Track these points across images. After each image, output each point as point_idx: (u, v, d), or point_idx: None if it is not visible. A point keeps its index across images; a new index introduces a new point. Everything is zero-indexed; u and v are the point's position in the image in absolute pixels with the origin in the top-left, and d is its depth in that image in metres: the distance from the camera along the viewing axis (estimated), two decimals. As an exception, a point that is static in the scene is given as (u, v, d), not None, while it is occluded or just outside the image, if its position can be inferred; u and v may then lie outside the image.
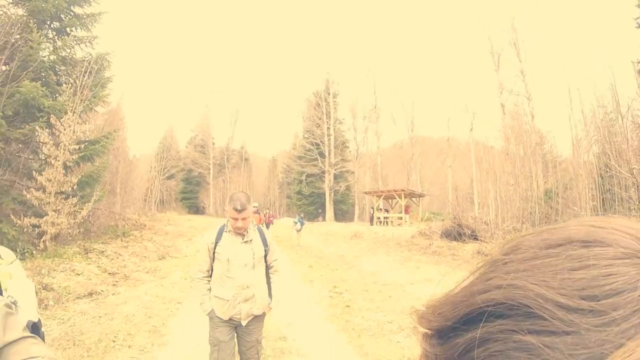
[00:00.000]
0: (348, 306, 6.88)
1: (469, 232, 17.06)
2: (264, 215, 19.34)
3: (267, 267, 3.20)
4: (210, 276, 3.06)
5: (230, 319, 2.98)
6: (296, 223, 17.62)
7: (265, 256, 3.14)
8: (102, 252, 10.06)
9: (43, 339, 1.44)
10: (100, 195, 11.46)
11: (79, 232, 9.90)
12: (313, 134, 41.57)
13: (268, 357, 4.41)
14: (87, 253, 9.87)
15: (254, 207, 11.19)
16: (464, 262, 13.68)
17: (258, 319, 3.08)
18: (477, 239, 16.54)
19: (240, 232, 2.99)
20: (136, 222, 16.58)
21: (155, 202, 36.23)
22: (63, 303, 6.38)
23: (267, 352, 4.46)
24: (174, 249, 13.28)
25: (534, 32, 40.92)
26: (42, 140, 9.03)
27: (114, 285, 7.62)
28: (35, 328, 1.56)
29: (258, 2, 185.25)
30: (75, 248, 9.86)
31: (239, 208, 2.85)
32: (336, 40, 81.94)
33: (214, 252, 2.99)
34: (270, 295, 3.17)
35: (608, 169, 15.22)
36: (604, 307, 0.26)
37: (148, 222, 18.07)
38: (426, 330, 0.38)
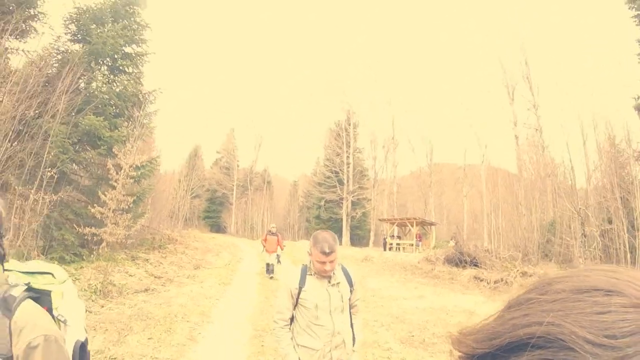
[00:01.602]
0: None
1: (470, 259, 18.55)
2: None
3: (350, 308, 2.93)
4: (291, 323, 2.81)
5: None
6: None
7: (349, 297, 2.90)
8: (147, 259, 12.10)
9: (89, 357, 1.56)
10: (144, 212, 13.59)
11: (132, 242, 11.97)
12: (333, 162, 43.64)
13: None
14: (133, 260, 11.92)
15: (272, 227, 12.75)
16: (459, 285, 15.31)
17: None
18: (477, 266, 18.07)
19: (328, 275, 2.73)
20: (169, 237, 18.68)
21: (181, 220, 38.46)
22: (124, 295, 8.33)
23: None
24: (205, 261, 15.34)
25: (546, 65, 42.24)
26: (107, 167, 11.12)
27: (162, 285, 9.62)
28: (82, 348, 1.53)
29: (286, 30, 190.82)
30: (123, 255, 11.92)
31: (327, 251, 2.59)
32: (358, 73, 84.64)
33: (297, 298, 2.72)
34: (353, 337, 2.93)
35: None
36: (620, 345, 0.34)
37: (179, 238, 20.16)
38: (465, 354, 0.46)
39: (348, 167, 42.61)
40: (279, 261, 13.97)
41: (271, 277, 13.04)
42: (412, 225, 28.96)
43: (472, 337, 0.45)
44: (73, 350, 1.42)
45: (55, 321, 1.38)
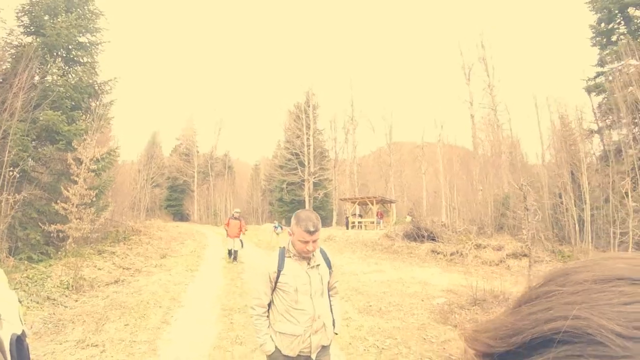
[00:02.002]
0: None
1: (427, 234, 19.54)
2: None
3: (329, 290, 2.88)
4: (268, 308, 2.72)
5: (297, 355, 2.65)
6: (276, 227, 20.24)
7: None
8: (113, 252, 12.28)
9: (28, 351, 1.42)
10: (107, 205, 13.66)
11: (97, 236, 12.09)
12: (293, 144, 43.94)
13: (247, 325, 6.72)
14: (100, 253, 12.07)
15: (235, 212, 12.79)
16: (417, 258, 16.19)
17: (325, 348, 2.76)
18: (435, 240, 19.07)
19: (308, 256, 2.64)
20: (133, 228, 18.70)
21: (143, 210, 37.98)
22: (96, 288, 8.60)
23: (243, 326, 6.77)
24: (171, 250, 15.59)
25: (503, 48, 43.87)
26: (68, 162, 11.14)
27: (131, 276, 9.92)
28: (19, 341, 1.36)
29: (244, 14, 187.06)
30: (89, 250, 12.05)
31: (311, 229, 2.52)
32: (318, 55, 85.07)
33: (276, 282, 2.63)
34: (334, 320, 2.84)
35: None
36: None
37: (142, 229, 20.17)
38: (482, 352, 0.43)
39: (308, 148, 43.03)
40: (242, 245, 14.23)
41: (234, 262, 13.16)
42: (372, 204, 29.86)
43: (489, 334, 0.44)
44: (10, 344, 1.29)
45: None
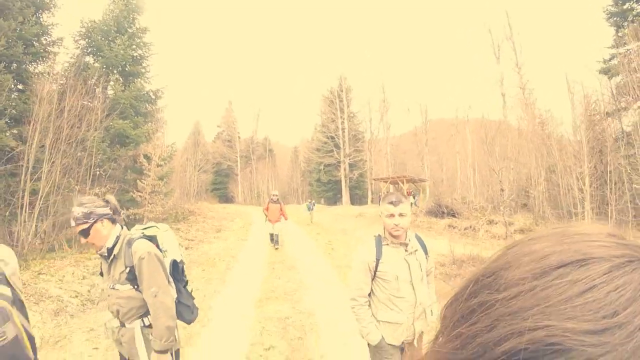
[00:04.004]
0: (332, 249, 12.30)
1: (447, 210, 21.65)
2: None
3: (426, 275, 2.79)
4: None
5: (401, 342, 2.61)
6: (308, 207, 22.95)
7: None
8: (178, 228, 15.27)
9: (183, 272, 2.68)
10: (172, 191, 16.69)
11: (166, 217, 15.09)
12: (328, 128, 46.31)
13: (284, 270, 9.34)
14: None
15: (273, 195, 13.42)
16: (435, 232, 18.33)
17: (422, 334, 2.70)
18: (454, 216, 21.17)
19: (401, 239, 2.59)
20: (189, 210, 21.85)
21: (193, 194, 41.55)
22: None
23: (282, 271, 9.40)
24: (223, 226, 18.72)
25: (531, 27, 43.99)
26: (140, 160, 14.09)
27: (196, 244, 12.88)
28: (174, 262, 2.56)
29: (281, 6, 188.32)
30: (160, 228, 15.16)
31: (394, 200, 2.52)
32: (351, 39, 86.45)
33: (375, 271, 2.59)
34: (432, 307, 2.78)
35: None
36: (626, 318, 0.28)
37: (196, 210, 23.36)
38: None
39: (343, 131, 45.28)
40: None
41: (277, 248, 12.51)
42: (402, 183, 31.95)
43: None
44: (170, 264, 2.49)
45: (162, 252, 2.47)
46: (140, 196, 13.72)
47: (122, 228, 2.47)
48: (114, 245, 2.37)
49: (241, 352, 4.53)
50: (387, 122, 45.47)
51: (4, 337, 1.43)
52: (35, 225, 9.68)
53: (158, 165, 14.50)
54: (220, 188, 56.51)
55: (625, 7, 19.33)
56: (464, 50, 69.05)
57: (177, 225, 15.99)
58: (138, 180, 14.01)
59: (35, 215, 9.75)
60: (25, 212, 9.63)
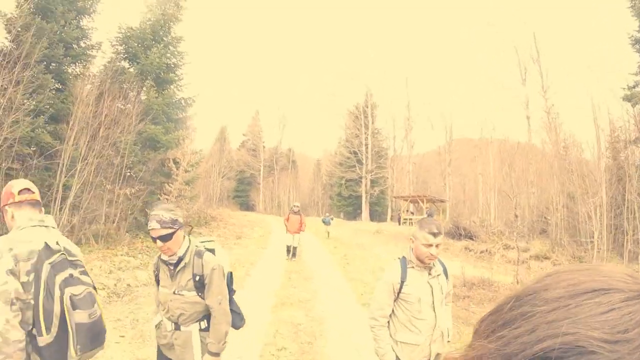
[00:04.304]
0: (348, 263, 12.62)
1: (464, 232, 21.74)
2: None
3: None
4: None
5: None
6: (325, 221, 23.24)
7: None
8: (200, 233, 15.79)
9: (232, 279, 2.89)
10: (196, 195, 17.29)
11: (190, 221, 15.64)
12: (352, 144, 46.81)
13: (300, 280, 9.71)
14: (189, 234, 15.71)
15: (295, 206, 13.65)
16: (450, 253, 18.42)
17: (439, 355, 2.78)
18: (472, 238, 21.24)
19: (429, 265, 2.68)
20: (210, 215, 22.50)
21: (215, 200, 42.34)
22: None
23: (298, 280, 9.77)
24: (244, 234, 19.25)
25: (558, 48, 43.71)
26: (169, 165, 14.72)
27: (217, 250, 13.36)
28: (230, 275, 2.85)
29: (313, 20, 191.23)
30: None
31: (435, 231, 2.57)
32: (378, 54, 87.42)
33: (399, 293, 2.66)
34: (448, 329, 2.89)
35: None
36: (633, 336, 0.37)
37: (217, 216, 23.99)
38: None
39: (366, 147, 45.68)
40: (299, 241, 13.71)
41: (293, 260, 12.50)
42: (422, 202, 32.11)
43: None
44: (226, 276, 2.74)
45: None
46: (167, 199, 14.31)
47: (189, 239, 2.70)
48: (183, 254, 2.58)
49: (255, 351, 4.96)
50: (410, 140, 45.82)
51: (95, 314, 2.08)
52: (66, 219, 10.28)
53: (186, 171, 15.11)
54: (242, 196, 57.25)
55: None
56: (491, 70, 68.67)
57: (199, 230, 16.57)
58: (166, 184, 14.62)
59: (67, 210, 10.37)
60: (57, 205, 10.26)
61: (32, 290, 1.84)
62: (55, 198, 10.17)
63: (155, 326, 2.75)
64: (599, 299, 0.40)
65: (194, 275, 2.54)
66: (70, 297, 1.95)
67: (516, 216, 11.29)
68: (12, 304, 1.77)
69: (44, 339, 1.86)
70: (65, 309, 1.92)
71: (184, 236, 2.69)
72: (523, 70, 37.22)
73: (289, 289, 8.49)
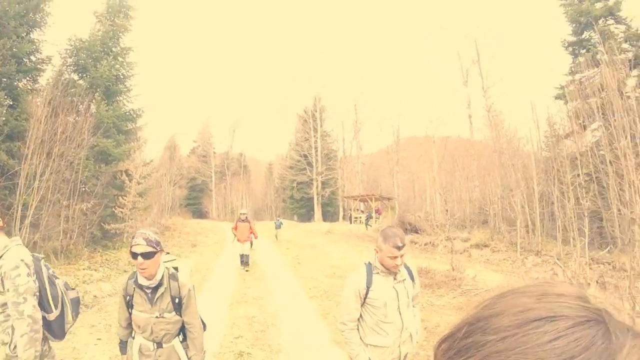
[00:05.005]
0: (299, 263, 13.51)
1: (410, 227, 23.15)
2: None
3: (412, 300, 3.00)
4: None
5: None
6: (275, 224, 23.90)
7: None
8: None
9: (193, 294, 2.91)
10: (149, 206, 17.64)
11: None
12: (302, 147, 47.71)
13: (254, 281, 10.50)
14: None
15: (242, 213, 13.02)
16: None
17: (407, 355, 2.98)
18: (417, 232, 22.67)
19: (395, 271, 2.79)
20: (164, 225, 22.74)
21: (167, 209, 42.00)
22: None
23: (252, 281, 10.57)
24: (198, 241, 19.70)
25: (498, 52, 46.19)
26: (121, 178, 15.06)
27: (176, 257, 13.84)
28: (192, 289, 2.93)
29: (256, 23, 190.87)
30: (137, 242, 16.12)
31: (400, 245, 2.67)
32: (326, 58, 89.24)
33: (365, 298, 2.79)
34: (417, 330, 3.05)
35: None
36: None
37: (171, 225, 24.24)
38: None
39: (316, 150, 46.76)
40: (251, 246, 13.57)
41: (247, 270, 12.06)
42: (372, 200, 33.46)
43: None
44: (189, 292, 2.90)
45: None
46: (121, 212, 14.67)
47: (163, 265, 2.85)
48: (161, 279, 2.72)
49: (216, 340, 5.76)
50: (359, 141, 47.29)
51: (77, 293, 3.03)
52: (27, 237, 10.56)
53: (138, 183, 15.50)
54: (195, 203, 56.66)
55: (582, 37, 20.19)
56: (434, 71, 71.79)
57: (154, 240, 16.97)
58: (120, 197, 14.96)
59: (27, 227, 10.65)
60: (17, 224, 10.53)
61: (38, 284, 2.66)
62: (15, 217, 10.43)
63: (139, 348, 2.85)
64: (545, 328, 0.43)
65: (173, 298, 2.72)
66: (63, 284, 2.91)
67: (447, 210, 12.54)
68: (35, 295, 2.58)
69: (53, 314, 2.73)
70: (63, 292, 2.85)
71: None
72: (465, 72, 39.14)
73: (244, 289, 9.33)
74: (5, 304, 2.56)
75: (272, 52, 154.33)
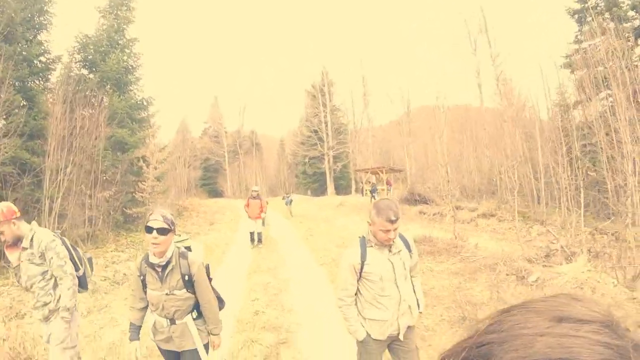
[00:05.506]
0: (311, 235, 14.46)
1: (419, 198, 23.74)
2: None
3: (410, 271, 2.97)
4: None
5: (387, 337, 2.84)
6: (285, 201, 24.43)
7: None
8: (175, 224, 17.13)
9: (208, 270, 3.07)
10: (167, 189, 18.51)
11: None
12: (312, 122, 48.13)
13: (268, 253, 11.30)
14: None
15: (253, 191, 13.02)
16: (406, 218, 20.24)
17: (411, 328, 2.93)
18: (427, 203, 23.25)
19: (389, 244, 2.75)
20: (182, 206, 23.72)
21: (184, 190, 43.00)
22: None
23: (267, 253, 11.38)
24: (216, 220, 20.68)
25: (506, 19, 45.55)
26: (138, 165, 15.88)
27: (194, 236, 14.69)
28: (207, 267, 3.05)
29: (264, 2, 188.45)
30: (158, 223, 17.08)
31: (393, 218, 2.61)
32: (333, 32, 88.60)
33: (361, 272, 2.77)
34: (418, 300, 3.00)
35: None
36: None
37: (189, 206, 25.22)
38: None
39: (326, 125, 47.16)
40: (263, 224, 13.37)
41: (258, 247, 12.27)
42: (382, 173, 33.94)
43: None
44: (206, 268, 3.04)
45: None
46: (141, 196, 15.54)
47: (173, 245, 2.95)
48: (171, 257, 2.82)
49: (237, 302, 6.63)
50: (369, 114, 47.51)
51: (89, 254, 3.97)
52: (56, 226, 11.45)
53: (155, 168, 16.31)
54: (210, 183, 57.44)
55: (587, 4, 19.68)
56: (444, 40, 70.97)
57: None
58: (139, 182, 15.83)
59: (55, 218, 11.53)
60: (47, 216, 11.40)
61: (66, 252, 3.49)
62: (43, 210, 11.29)
63: (154, 325, 2.96)
64: None
65: (183, 275, 2.81)
66: (79, 250, 3.76)
67: (448, 182, 13.10)
68: (69, 258, 3.52)
69: (81, 271, 3.64)
70: (82, 255, 3.75)
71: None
72: (473, 41, 38.82)
73: (259, 261, 10.19)
74: (45, 272, 3.42)
75: (279, 27, 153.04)
